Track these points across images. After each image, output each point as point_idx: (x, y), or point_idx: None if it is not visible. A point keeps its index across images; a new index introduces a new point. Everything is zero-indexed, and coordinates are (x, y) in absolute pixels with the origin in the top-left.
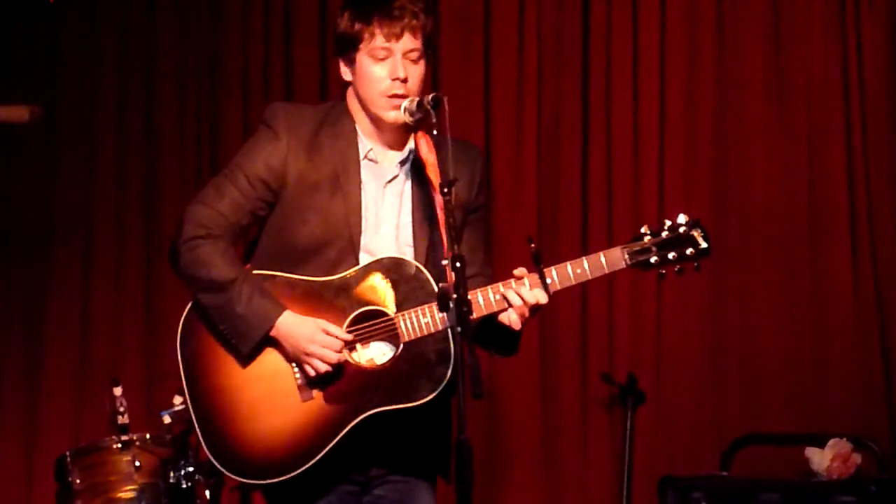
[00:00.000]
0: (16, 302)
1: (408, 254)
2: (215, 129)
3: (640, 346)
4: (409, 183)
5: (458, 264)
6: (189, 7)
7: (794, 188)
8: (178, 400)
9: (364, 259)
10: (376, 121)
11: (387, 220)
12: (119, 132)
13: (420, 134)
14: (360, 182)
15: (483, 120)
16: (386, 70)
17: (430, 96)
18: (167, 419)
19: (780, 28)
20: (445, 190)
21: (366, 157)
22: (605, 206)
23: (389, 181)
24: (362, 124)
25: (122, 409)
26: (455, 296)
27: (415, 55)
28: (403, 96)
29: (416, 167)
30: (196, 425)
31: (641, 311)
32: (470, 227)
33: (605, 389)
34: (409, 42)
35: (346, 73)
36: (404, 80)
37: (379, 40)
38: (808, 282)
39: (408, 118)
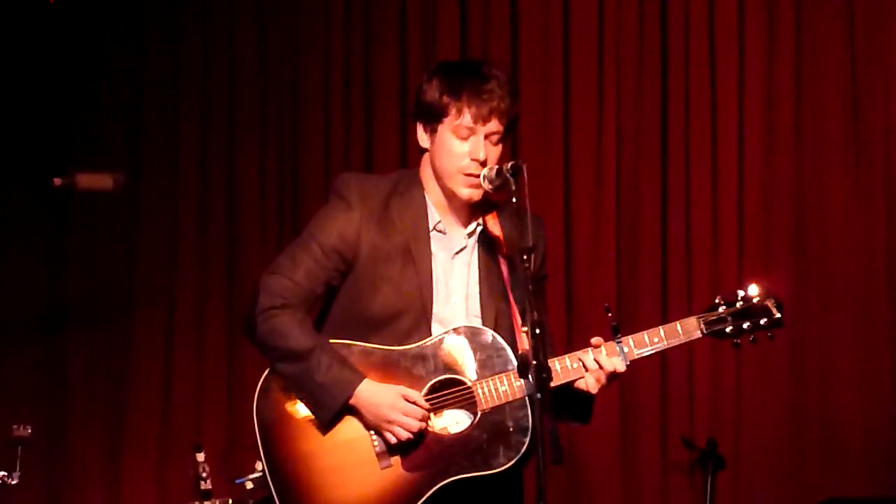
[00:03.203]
0: (98, 368)
1: (476, 323)
2: (296, 193)
3: (720, 410)
4: (476, 254)
5: (537, 330)
6: (270, 70)
7: (872, 252)
8: (260, 465)
9: (436, 329)
10: (448, 194)
11: (457, 291)
12: (200, 198)
13: (489, 212)
14: (430, 253)
15: (562, 187)
16: (467, 148)
17: (509, 164)
18: (249, 485)
19: (857, 87)
20: (524, 257)
21: (435, 228)
22: (684, 271)
23: (458, 252)
24: (433, 195)
25: (204, 475)
26: (534, 362)
27: (496, 138)
28: (478, 175)
29: (482, 239)
30: (274, 493)
31: (721, 375)
32: (536, 297)
33: (686, 454)
34: (494, 125)
35: (423, 140)
36: (483, 163)
37: (466, 119)
38: (887, 345)
39: (487, 186)
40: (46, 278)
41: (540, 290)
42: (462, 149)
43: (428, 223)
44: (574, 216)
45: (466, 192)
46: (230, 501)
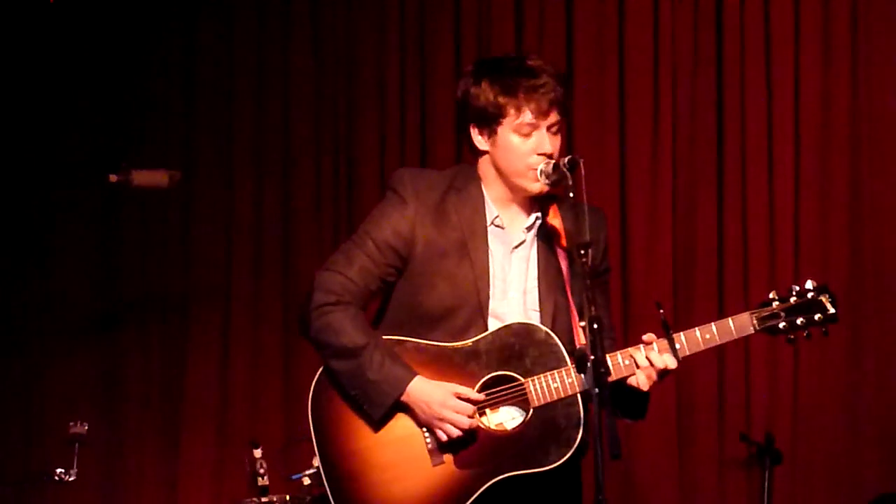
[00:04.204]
0: (155, 366)
1: (534, 318)
2: (351, 191)
3: (777, 405)
4: (535, 249)
5: (594, 326)
6: (325, 67)
7: None
8: (317, 461)
9: (492, 324)
10: (514, 189)
11: (514, 286)
12: (256, 195)
13: (549, 204)
14: (487, 248)
15: (618, 183)
16: (532, 144)
17: (566, 159)
18: (306, 480)
19: None
20: (582, 252)
21: (492, 223)
22: (741, 268)
23: (516, 247)
24: (491, 191)
25: (262, 471)
26: (592, 358)
27: (556, 128)
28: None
29: (541, 233)
30: (328, 490)
31: (778, 369)
32: (596, 291)
33: (743, 449)
34: (554, 116)
35: (480, 143)
36: (550, 155)
37: (527, 116)
38: None
39: (543, 181)
40: (102, 276)
41: (602, 283)
42: (527, 146)
43: (485, 218)
44: (630, 212)
45: (537, 186)
46: (287, 497)
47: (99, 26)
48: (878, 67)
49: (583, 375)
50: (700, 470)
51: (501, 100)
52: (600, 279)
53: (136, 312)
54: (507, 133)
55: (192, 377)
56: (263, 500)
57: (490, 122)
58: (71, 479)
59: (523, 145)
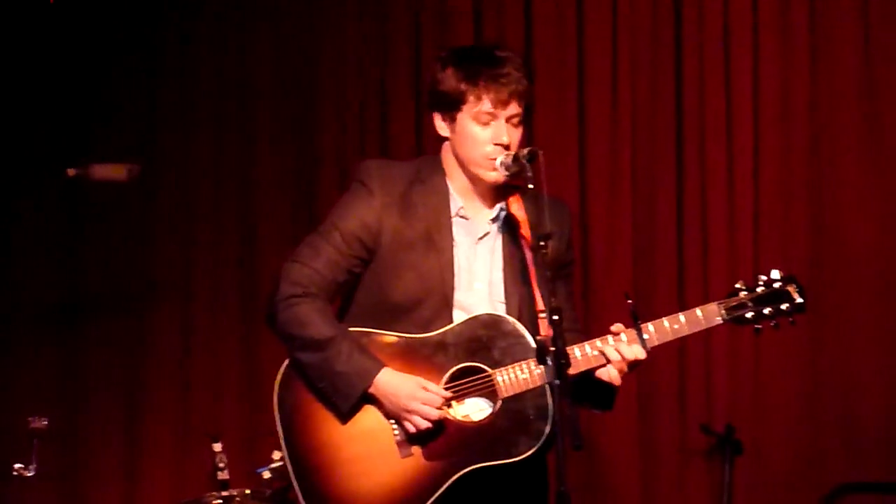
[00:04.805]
0: (115, 360)
1: (501, 309)
2: (312, 182)
3: (738, 396)
4: (500, 240)
5: (555, 317)
6: (285, 65)
7: (890, 237)
8: (277, 455)
9: (458, 315)
10: (473, 179)
11: (479, 277)
12: (216, 190)
13: (512, 194)
14: (452, 239)
15: (577, 173)
16: (489, 133)
17: (525, 150)
18: (267, 475)
19: (874, 74)
20: (542, 244)
21: (458, 214)
22: (700, 259)
23: (481, 238)
24: (455, 181)
25: (221, 466)
26: (553, 349)
27: (516, 120)
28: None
29: (507, 224)
30: (295, 482)
31: (739, 360)
32: (560, 282)
33: (704, 440)
34: (514, 108)
35: (442, 129)
36: (507, 146)
37: (486, 105)
38: None
39: (503, 172)
40: (62, 271)
41: (566, 275)
42: (484, 134)
43: (450, 209)
44: (590, 203)
45: (493, 175)
46: (248, 491)
47: (57, 22)
48: (837, 56)
49: (546, 367)
50: (661, 461)
51: (462, 86)
52: (564, 270)
53: (96, 305)
54: (467, 120)
55: (151, 370)
56: (223, 494)
57: (451, 108)
58: (30, 474)
59: (481, 134)
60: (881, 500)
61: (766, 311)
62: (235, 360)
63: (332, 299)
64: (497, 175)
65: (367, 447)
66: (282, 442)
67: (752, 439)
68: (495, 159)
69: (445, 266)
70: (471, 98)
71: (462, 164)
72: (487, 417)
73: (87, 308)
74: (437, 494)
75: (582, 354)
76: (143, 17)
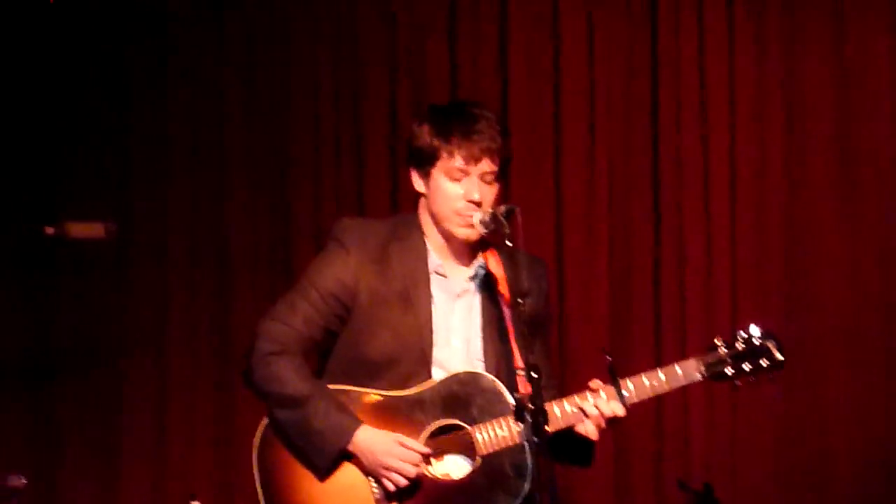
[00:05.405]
0: (90, 416)
1: (479, 367)
2: (287, 240)
3: (715, 453)
4: (478, 297)
5: (533, 374)
6: (259, 120)
7: (864, 290)
8: None
9: (436, 373)
10: (447, 235)
11: (457, 334)
12: (192, 247)
13: (489, 250)
14: (430, 296)
15: (553, 229)
16: (461, 190)
17: (502, 207)
18: None
19: (851, 126)
20: (520, 300)
21: (435, 271)
22: (678, 314)
23: (459, 295)
24: (432, 239)
25: None
26: (532, 406)
27: (490, 177)
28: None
29: (485, 282)
30: None
31: (716, 416)
32: (537, 339)
33: (681, 497)
34: (486, 165)
35: (418, 185)
36: (478, 203)
37: (457, 161)
38: (880, 383)
39: (481, 230)
40: (37, 326)
41: (543, 332)
42: (456, 190)
43: (428, 266)
44: (566, 259)
45: (464, 233)
46: None
47: (34, 68)
48: (811, 111)
49: (524, 424)
50: None
51: (435, 142)
52: (542, 328)
53: (71, 361)
54: (440, 176)
55: (128, 427)
56: None
57: (425, 163)
58: None
59: (453, 189)
60: None
61: (746, 367)
62: (211, 414)
63: (309, 356)
64: (469, 232)
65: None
66: (261, 499)
67: (730, 497)
68: (467, 216)
69: (423, 323)
70: (444, 154)
71: (436, 220)
72: (467, 475)
73: (62, 364)
74: None
75: (561, 412)
76: (113, 77)
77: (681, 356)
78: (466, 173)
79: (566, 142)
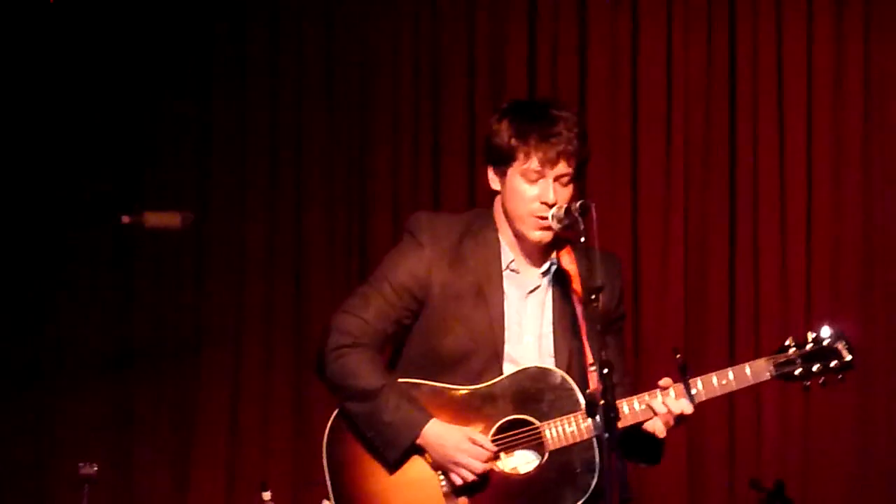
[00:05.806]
0: (165, 407)
1: (550, 363)
2: (363, 232)
3: (788, 451)
4: (550, 293)
5: (605, 370)
6: (338, 111)
7: None
8: None
9: (508, 368)
10: (519, 235)
11: (529, 330)
12: (268, 237)
13: (564, 248)
14: (502, 292)
15: (630, 228)
16: (536, 191)
17: (578, 203)
18: None
19: None
20: (593, 297)
21: (508, 267)
22: (752, 315)
23: (531, 291)
24: (506, 235)
25: None
26: (602, 402)
27: (565, 179)
28: (547, 217)
29: (557, 278)
30: None
31: (790, 416)
32: (610, 336)
33: (754, 496)
34: (562, 168)
35: (493, 182)
36: (552, 205)
37: (534, 163)
38: None
39: (555, 226)
40: (114, 317)
41: (616, 329)
42: (531, 192)
43: (501, 263)
44: (642, 257)
45: (537, 235)
46: None
47: (118, 66)
48: (891, 72)
49: (593, 420)
50: None
51: (514, 142)
52: (617, 325)
53: (148, 353)
54: (515, 176)
55: (202, 419)
56: None
57: (502, 163)
58: None
59: (528, 191)
60: None
61: (815, 367)
62: (285, 407)
63: (381, 350)
64: (542, 234)
65: (414, 497)
66: (330, 491)
67: (801, 495)
68: (540, 217)
69: (495, 319)
70: (520, 155)
71: (509, 219)
72: (535, 470)
73: (138, 355)
74: None
75: (630, 409)
76: (195, 67)
77: (754, 355)
78: (542, 175)
79: (643, 138)
